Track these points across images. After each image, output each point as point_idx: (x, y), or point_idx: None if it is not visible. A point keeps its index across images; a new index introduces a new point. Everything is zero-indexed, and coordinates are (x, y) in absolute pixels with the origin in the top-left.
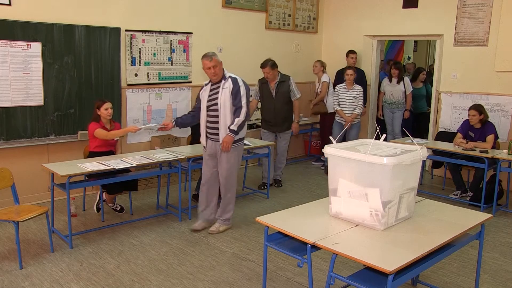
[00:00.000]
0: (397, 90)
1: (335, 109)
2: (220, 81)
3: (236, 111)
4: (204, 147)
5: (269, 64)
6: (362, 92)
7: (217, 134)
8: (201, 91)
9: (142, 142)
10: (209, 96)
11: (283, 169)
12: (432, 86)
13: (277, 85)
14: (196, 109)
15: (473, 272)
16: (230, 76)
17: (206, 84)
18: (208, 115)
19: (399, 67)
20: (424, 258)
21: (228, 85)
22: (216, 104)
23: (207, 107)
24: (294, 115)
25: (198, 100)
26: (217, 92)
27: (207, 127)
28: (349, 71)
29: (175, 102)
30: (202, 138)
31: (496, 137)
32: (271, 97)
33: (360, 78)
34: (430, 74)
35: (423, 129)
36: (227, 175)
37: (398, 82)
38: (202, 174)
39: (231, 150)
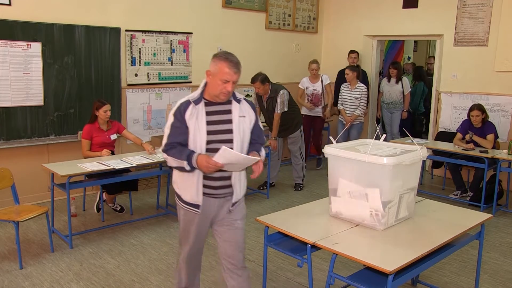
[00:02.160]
0: (394, 90)
1: (338, 108)
2: (229, 102)
3: (255, 145)
4: (196, 207)
5: (259, 79)
6: (365, 92)
7: (227, 187)
8: (186, 115)
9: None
10: (210, 124)
11: (302, 171)
12: (426, 84)
13: (267, 100)
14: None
15: (473, 272)
16: (245, 99)
17: (195, 102)
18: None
19: (398, 67)
20: (424, 258)
21: (246, 113)
22: (228, 141)
23: (209, 142)
24: (272, 130)
25: (179, 130)
26: (227, 120)
27: (208, 176)
28: (346, 71)
29: (175, 102)
30: (193, 194)
31: (496, 136)
32: (265, 111)
33: (363, 79)
34: (429, 74)
35: (415, 129)
36: (243, 244)
37: (396, 82)
38: (184, 251)
39: (242, 206)
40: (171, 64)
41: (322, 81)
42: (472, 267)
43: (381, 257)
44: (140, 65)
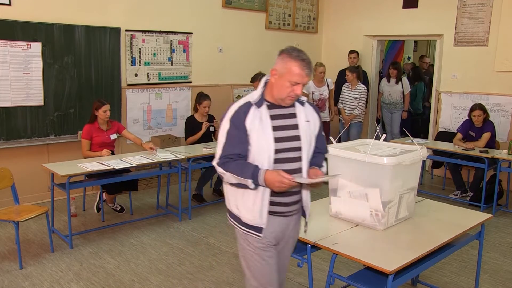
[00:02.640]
0: (395, 91)
1: (339, 107)
2: (292, 104)
3: (317, 158)
4: (258, 230)
5: (258, 79)
6: (364, 93)
7: (298, 202)
8: (247, 120)
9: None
10: (276, 130)
11: None
12: (425, 84)
13: None
14: (239, 159)
15: (473, 272)
16: (308, 102)
17: (257, 105)
18: (277, 168)
19: (398, 67)
20: (424, 258)
21: (311, 117)
22: (296, 149)
23: (276, 151)
24: None
25: (238, 139)
26: (293, 126)
27: (275, 192)
28: (346, 72)
29: (175, 102)
30: (256, 215)
31: (494, 135)
32: None
33: (363, 80)
34: (428, 73)
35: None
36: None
37: (396, 82)
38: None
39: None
40: (171, 64)
41: (327, 85)
42: (472, 267)
43: (381, 257)
44: (140, 65)
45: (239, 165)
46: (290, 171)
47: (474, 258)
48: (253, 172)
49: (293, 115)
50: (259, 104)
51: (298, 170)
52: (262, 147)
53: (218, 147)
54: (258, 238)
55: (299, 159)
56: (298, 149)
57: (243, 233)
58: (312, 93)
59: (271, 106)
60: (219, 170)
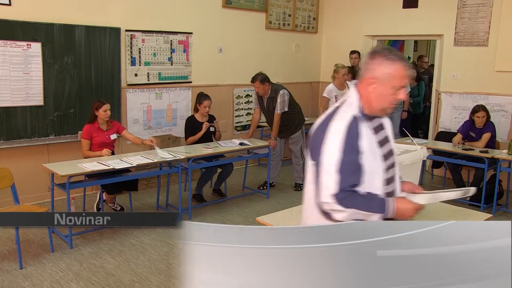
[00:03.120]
0: None
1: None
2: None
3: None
4: None
5: (258, 79)
6: None
7: None
8: (362, 140)
9: None
10: (380, 145)
11: (302, 171)
12: (425, 84)
13: (267, 100)
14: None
15: None
16: None
17: (366, 119)
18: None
19: None
20: None
21: (390, 125)
22: (392, 165)
23: (385, 170)
24: (272, 130)
25: (355, 166)
26: (386, 139)
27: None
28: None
29: (175, 102)
30: None
31: (494, 135)
32: (266, 111)
33: None
34: (427, 73)
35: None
36: None
37: None
38: None
39: None
40: (171, 64)
41: (348, 87)
42: None
43: None
44: (140, 65)
45: (361, 198)
46: (392, 193)
47: None
48: (380, 204)
49: (382, 126)
50: (363, 118)
51: (394, 192)
52: (375, 170)
53: (326, 179)
54: None
55: (394, 178)
56: (393, 165)
57: None
58: (335, 97)
59: (368, 118)
60: (336, 207)
